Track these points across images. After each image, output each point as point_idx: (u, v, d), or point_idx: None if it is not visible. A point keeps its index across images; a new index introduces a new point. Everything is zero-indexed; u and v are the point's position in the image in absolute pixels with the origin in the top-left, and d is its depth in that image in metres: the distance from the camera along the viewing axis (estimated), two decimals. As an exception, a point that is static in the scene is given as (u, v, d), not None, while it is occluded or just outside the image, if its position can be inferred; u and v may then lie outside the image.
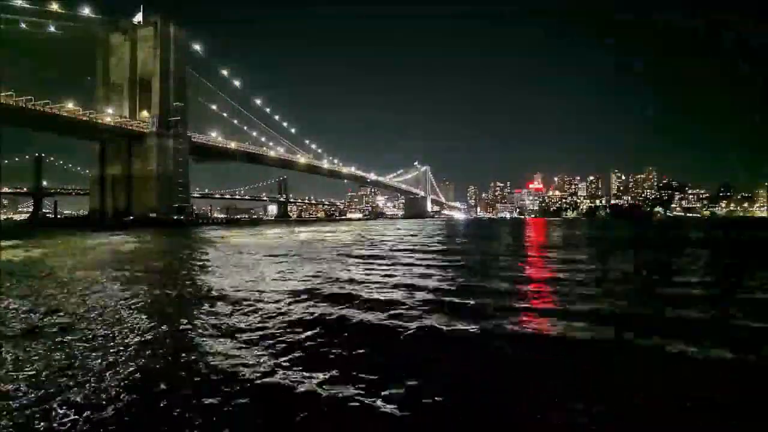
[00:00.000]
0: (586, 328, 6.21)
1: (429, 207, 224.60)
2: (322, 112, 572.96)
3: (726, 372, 4.74)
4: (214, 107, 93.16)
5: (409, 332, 6.05)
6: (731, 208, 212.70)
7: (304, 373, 4.54)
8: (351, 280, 10.94)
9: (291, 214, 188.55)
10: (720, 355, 5.10)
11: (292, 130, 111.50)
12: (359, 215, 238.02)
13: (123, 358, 5.10)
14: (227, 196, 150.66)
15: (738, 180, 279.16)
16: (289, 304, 8.12)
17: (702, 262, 16.31)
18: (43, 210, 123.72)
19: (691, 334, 5.94)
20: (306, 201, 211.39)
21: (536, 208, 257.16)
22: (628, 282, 11.15)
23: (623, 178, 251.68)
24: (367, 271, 12.73)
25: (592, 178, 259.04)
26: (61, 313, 7.39)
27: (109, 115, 79.16)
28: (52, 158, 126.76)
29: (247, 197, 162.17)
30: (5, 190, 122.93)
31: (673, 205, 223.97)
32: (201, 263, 16.24)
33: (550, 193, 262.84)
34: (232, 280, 11.20)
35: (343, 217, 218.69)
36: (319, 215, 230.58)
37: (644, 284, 11.00)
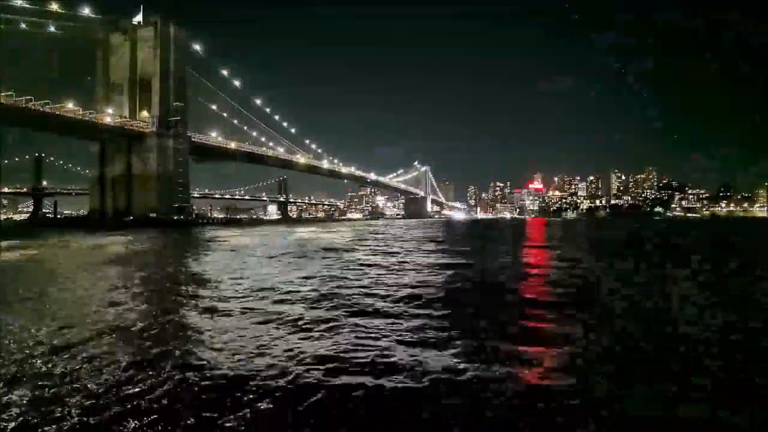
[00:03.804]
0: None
1: (429, 207, 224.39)
2: (322, 112, 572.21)
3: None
4: (214, 107, 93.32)
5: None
6: (731, 208, 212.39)
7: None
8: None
9: (291, 214, 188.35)
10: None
11: (292, 130, 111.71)
12: (359, 215, 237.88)
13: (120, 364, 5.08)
14: (227, 196, 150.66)
15: (738, 180, 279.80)
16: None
17: None
18: (43, 210, 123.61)
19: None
20: (306, 201, 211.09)
21: (536, 208, 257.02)
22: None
23: (623, 178, 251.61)
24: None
25: (592, 178, 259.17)
26: (57, 316, 7.37)
27: (109, 115, 79.10)
28: (52, 158, 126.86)
29: (247, 197, 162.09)
30: (5, 190, 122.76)
31: (673, 205, 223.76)
32: (202, 265, 16.23)
33: (550, 193, 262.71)
34: (235, 281, 11.19)
35: (343, 217, 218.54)
36: (319, 215, 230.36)
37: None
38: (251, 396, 4.00)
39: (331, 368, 4.69)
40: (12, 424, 3.54)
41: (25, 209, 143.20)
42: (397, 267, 14.01)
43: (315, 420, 3.62)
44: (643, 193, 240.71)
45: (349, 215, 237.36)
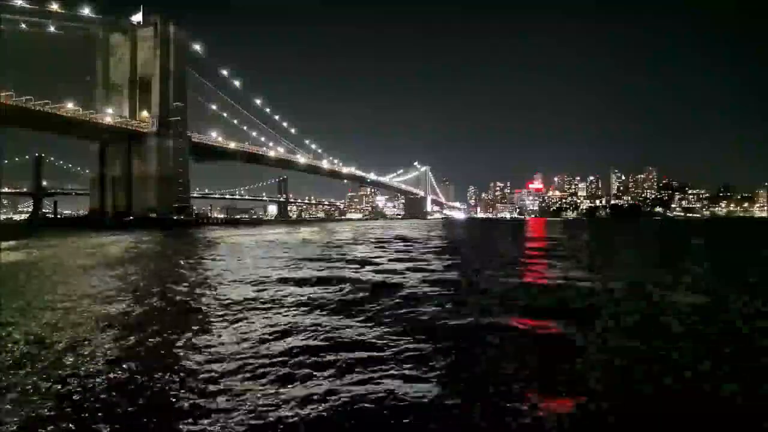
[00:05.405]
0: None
1: (429, 207, 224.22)
2: (323, 112, 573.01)
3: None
4: (214, 107, 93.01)
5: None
6: (731, 208, 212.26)
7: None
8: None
9: (291, 215, 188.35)
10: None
11: (292, 130, 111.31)
12: (359, 215, 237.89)
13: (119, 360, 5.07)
14: (227, 196, 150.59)
15: (738, 180, 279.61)
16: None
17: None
18: (43, 210, 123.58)
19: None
20: (306, 201, 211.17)
21: (536, 208, 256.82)
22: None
23: (623, 178, 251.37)
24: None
25: (592, 178, 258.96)
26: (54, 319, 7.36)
27: (109, 115, 79.06)
28: (52, 158, 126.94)
29: (247, 197, 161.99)
30: (5, 190, 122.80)
31: (673, 206, 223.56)
32: (203, 267, 16.21)
33: (550, 193, 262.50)
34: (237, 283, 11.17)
35: (343, 218, 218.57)
36: (318, 215, 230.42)
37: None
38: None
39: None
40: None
41: (25, 209, 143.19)
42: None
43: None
44: (643, 193, 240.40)
45: (349, 215, 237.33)
